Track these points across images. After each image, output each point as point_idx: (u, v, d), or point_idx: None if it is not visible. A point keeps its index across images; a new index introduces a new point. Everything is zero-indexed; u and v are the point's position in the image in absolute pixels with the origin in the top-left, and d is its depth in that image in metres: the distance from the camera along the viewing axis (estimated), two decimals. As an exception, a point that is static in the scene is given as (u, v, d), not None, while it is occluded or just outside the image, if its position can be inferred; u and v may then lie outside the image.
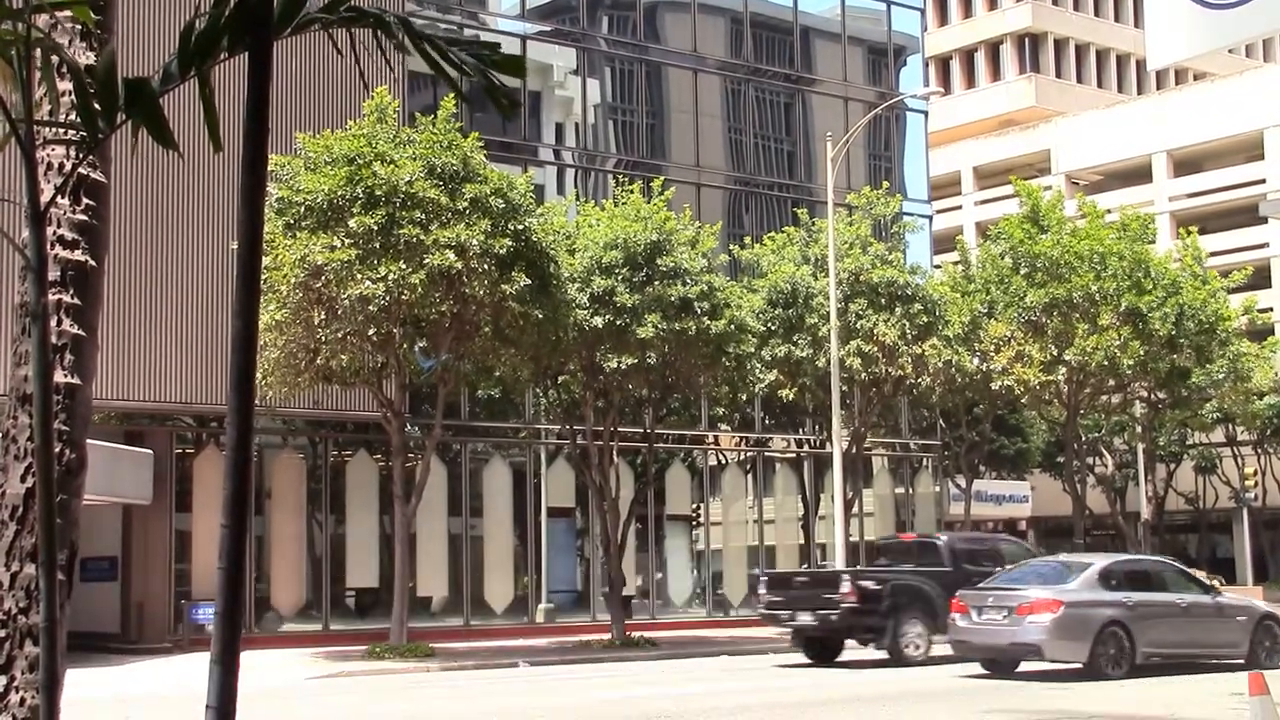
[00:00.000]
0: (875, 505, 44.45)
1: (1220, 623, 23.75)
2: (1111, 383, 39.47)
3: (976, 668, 23.25)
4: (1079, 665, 21.87)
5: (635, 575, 38.25)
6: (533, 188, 29.64)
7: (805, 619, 26.73)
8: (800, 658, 27.37)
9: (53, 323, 5.85)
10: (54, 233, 5.90)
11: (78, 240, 5.97)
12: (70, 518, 5.79)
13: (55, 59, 5.07)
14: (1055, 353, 37.67)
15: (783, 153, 44.37)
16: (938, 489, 45.85)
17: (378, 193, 26.26)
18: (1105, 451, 48.47)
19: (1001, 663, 23.07)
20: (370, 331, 26.60)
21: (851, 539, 37.78)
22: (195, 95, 4.20)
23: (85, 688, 20.76)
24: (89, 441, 6.02)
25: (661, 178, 35.02)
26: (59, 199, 5.86)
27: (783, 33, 44.31)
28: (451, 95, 29.10)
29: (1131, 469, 51.92)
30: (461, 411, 35.66)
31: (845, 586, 26.15)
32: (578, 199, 35.67)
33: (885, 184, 38.63)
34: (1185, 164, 68.16)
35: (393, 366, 28.46)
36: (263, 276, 23.79)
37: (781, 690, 20.89)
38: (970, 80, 79.15)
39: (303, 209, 26.49)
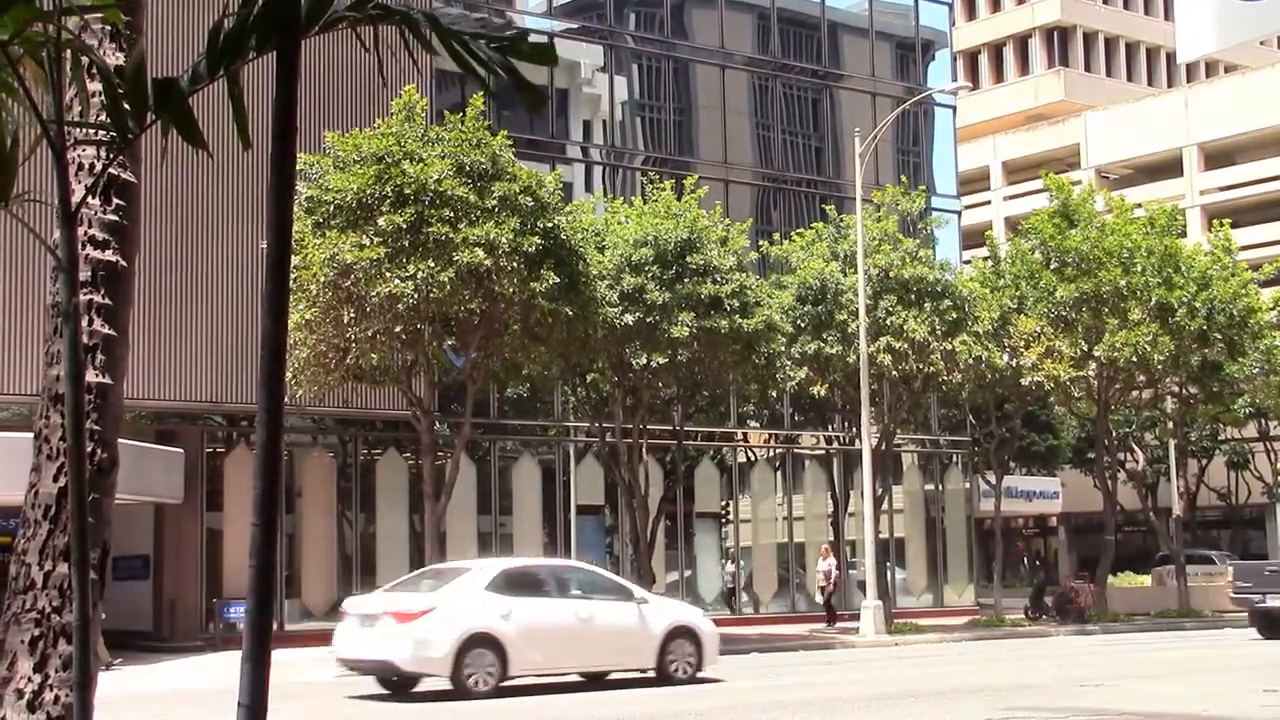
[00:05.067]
0: (905, 502, 44.34)
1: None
2: (1142, 378, 39.25)
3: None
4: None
5: (665, 573, 38.23)
6: (561, 185, 29.66)
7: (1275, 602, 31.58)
8: (826, 656, 27.29)
9: (84, 323, 5.88)
10: (85, 233, 5.93)
11: (108, 240, 5.99)
12: (102, 517, 5.82)
13: (85, 60, 5.09)
14: (1085, 348, 37.48)
15: (810, 149, 44.29)
16: (968, 485, 45.71)
17: (406, 191, 26.31)
18: (1136, 447, 48.17)
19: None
20: (399, 330, 26.66)
21: (881, 536, 37.70)
22: (224, 95, 4.22)
23: (118, 685, 20.87)
24: (120, 441, 6.05)
25: (695, 175, 35.00)
26: (89, 199, 5.89)
27: (810, 28, 44.23)
28: (480, 93, 29.15)
29: (1163, 464, 51.64)
30: (490, 410, 35.71)
31: None
32: (606, 196, 35.70)
33: (904, 179, 38.46)
34: (1216, 157, 67.77)
35: (422, 365, 28.51)
36: (292, 275, 23.94)
37: (811, 687, 20.85)
38: (999, 75, 78.87)
39: (332, 208, 26.57)
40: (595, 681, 21.85)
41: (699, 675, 21.89)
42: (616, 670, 21.96)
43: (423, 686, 20.94)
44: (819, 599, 38.78)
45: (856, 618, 34.98)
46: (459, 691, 19.87)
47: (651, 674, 21.66)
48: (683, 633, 22.05)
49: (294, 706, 17.85)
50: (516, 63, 4.13)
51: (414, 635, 19.89)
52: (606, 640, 21.54)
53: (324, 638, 31.27)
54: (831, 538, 41.20)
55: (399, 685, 21.02)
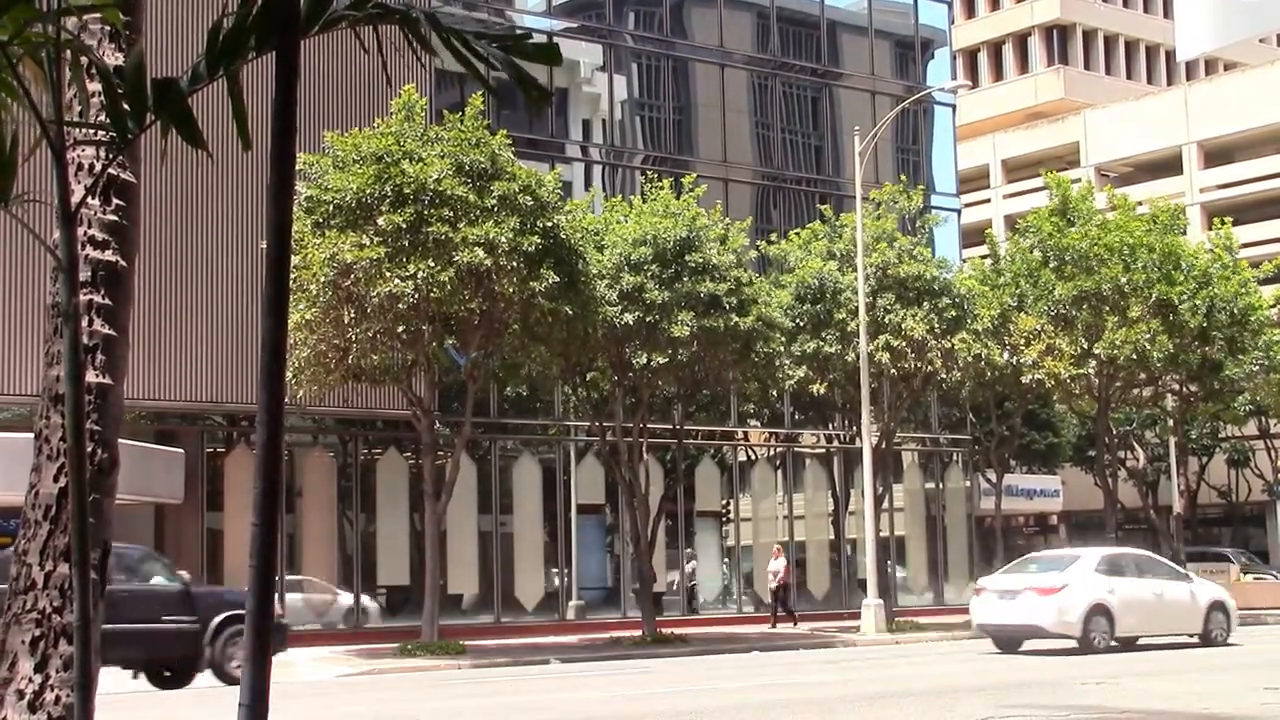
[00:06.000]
0: (905, 500, 44.35)
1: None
2: (1142, 376, 39.26)
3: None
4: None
5: (665, 571, 38.26)
6: (561, 184, 29.66)
7: None
8: (827, 654, 27.33)
9: (84, 323, 5.88)
10: (84, 233, 5.92)
11: (108, 240, 5.99)
12: (103, 517, 5.82)
13: (84, 60, 5.09)
14: (1085, 346, 37.48)
15: (810, 147, 44.30)
16: (968, 484, 45.72)
17: (406, 191, 26.31)
18: (1137, 445, 48.17)
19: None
20: (400, 329, 26.66)
21: (882, 534, 37.69)
22: (223, 95, 4.21)
23: (119, 685, 20.88)
24: (121, 441, 6.04)
25: (692, 174, 35.00)
26: (89, 199, 5.89)
27: (809, 27, 44.23)
28: (480, 92, 29.15)
29: (1163, 462, 51.64)
30: (491, 409, 35.72)
31: None
32: (605, 194, 35.70)
33: (903, 178, 38.45)
34: (1216, 155, 67.75)
35: (422, 365, 28.52)
36: (292, 275, 23.94)
37: (812, 686, 20.85)
38: (998, 73, 78.84)
39: (331, 207, 26.57)
40: (1128, 646, 27.24)
41: (1228, 641, 28.27)
42: (1172, 635, 28.00)
43: (1026, 646, 27.16)
44: (767, 599, 38.56)
45: (857, 616, 35.03)
46: (1083, 648, 25.97)
47: (1195, 639, 28.00)
48: (1218, 606, 28.56)
49: (294, 706, 17.85)
50: (519, 61, 4.13)
51: (1055, 605, 26.14)
52: (1171, 611, 27.77)
53: (325, 637, 31.45)
54: (784, 539, 41.08)
55: (1008, 644, 27.31)
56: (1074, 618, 26.14)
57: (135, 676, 22.35)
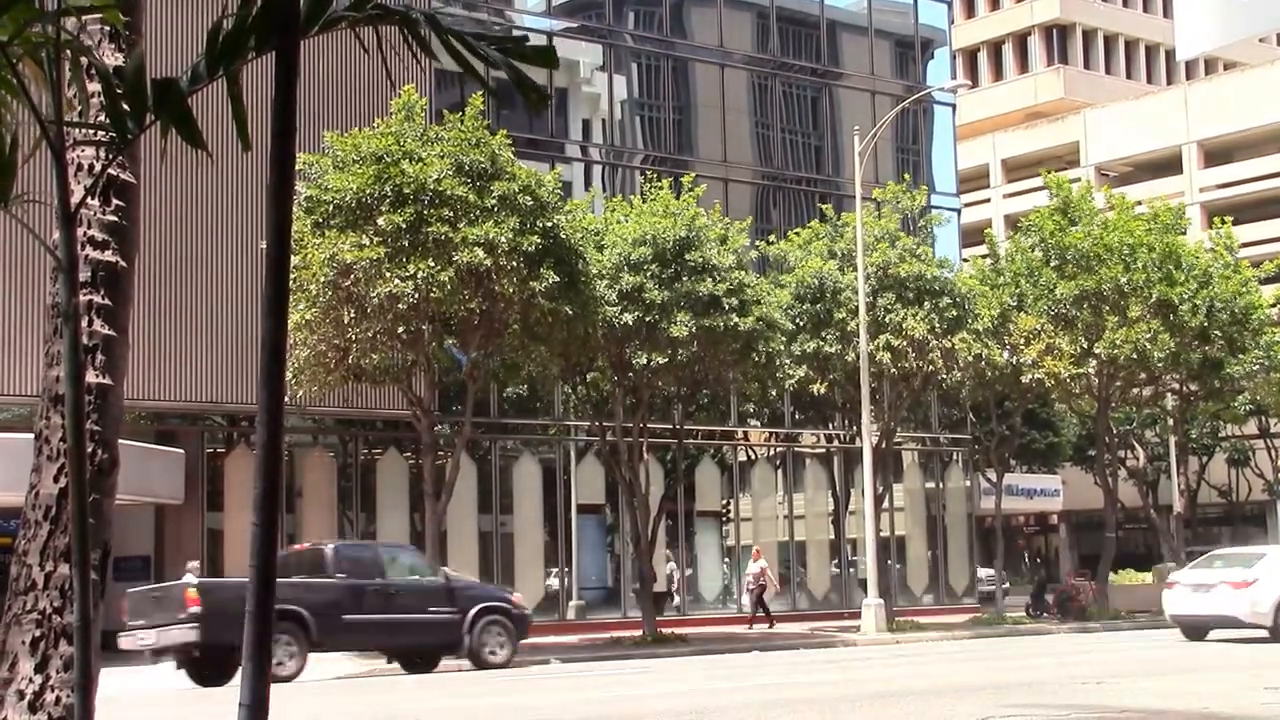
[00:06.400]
0: (906, 500, 44.35)
1: None
2: (1142, 375, 39.26)
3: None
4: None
5: (665, 571, 38.23)
6: (560, 184, 29.66)
7: None
8: (827, 654, 27.32)
9: (84, 323, 5.88)
10: (84, 233, 5.92)
11: (108, 241, 5.99)
12: (103, 517, 5.82)
13: (84, 60, 5.09)
14: (1086, 345, 37.48)
15: (810, 147, 44.29)
16: (968, 483, 45.71)
17: (406, 191, 26.31)
18: (1137, 444, 48.17)
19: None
20: (400, 329, 26.66)
21: (882, 534, 37.70)
22: (223, 95, 4.22)
23: (119, 685, 20.88)
24: (121, 441, 6.04)
25: (692, 174, 34.99)
26: (89, 200, 5.89)
27: (809, 27, 44.22)
28: (479, 93, 29.15)
29: (1164, 461, 51.63)
30: (491, 409, 35.71)
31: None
32: (605, 194, 35.72)
33: (906, 177, 38.42)
34: (1216, 155, 67.77)
35: (422, 365, 28.52)
36: (292, 275, 23.93)
37: (812, 686, 20.84)
38: (998, 72, 78.85)
39: (331, 207, 26.57)
40: None
41: None
42: None
43: (1217, 635, 28.58)
44: (746, 601, 38.39)
45: (857, 615, 35.03)
46: (1274, 637, 27.29)
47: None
48: None
49: (294, 706, 17.84)
50: (517, 63, 4.13)
51: (1249, 598, 27.62)
52: None
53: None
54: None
55: (1195, 633, 28.82)
56: (1266, 609, 27.64)
57: (390, 662, 24.62)
